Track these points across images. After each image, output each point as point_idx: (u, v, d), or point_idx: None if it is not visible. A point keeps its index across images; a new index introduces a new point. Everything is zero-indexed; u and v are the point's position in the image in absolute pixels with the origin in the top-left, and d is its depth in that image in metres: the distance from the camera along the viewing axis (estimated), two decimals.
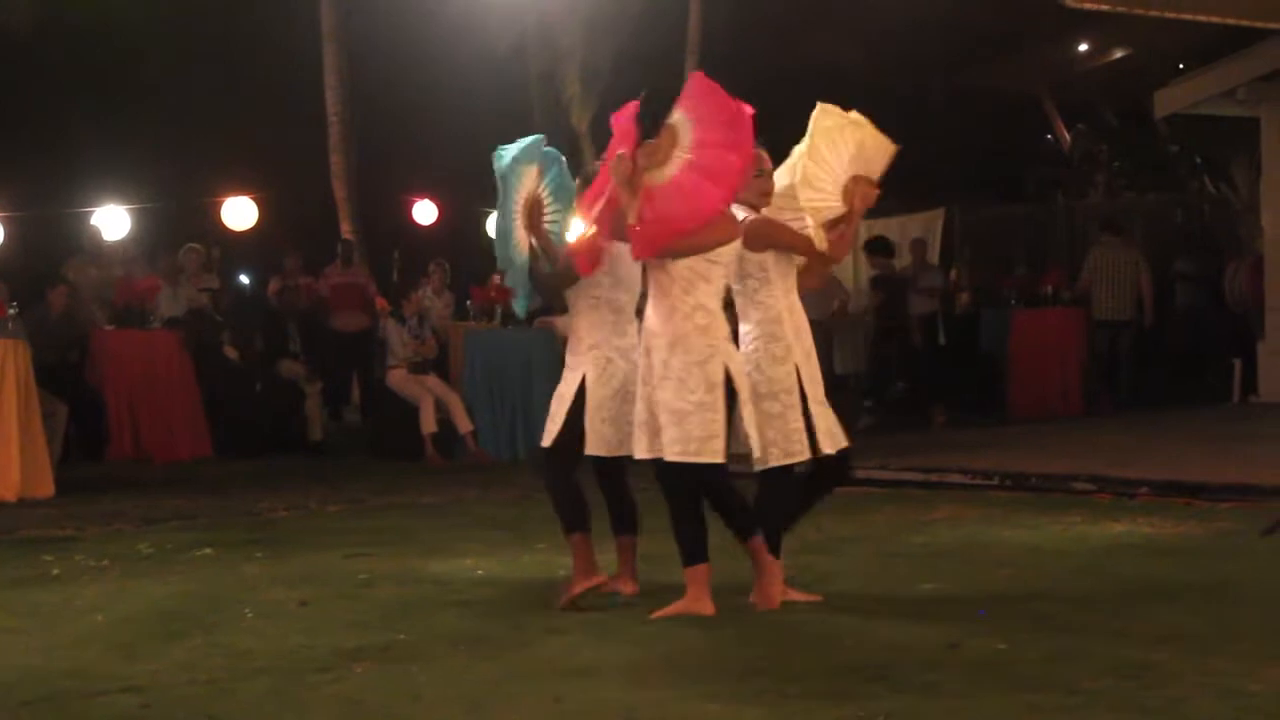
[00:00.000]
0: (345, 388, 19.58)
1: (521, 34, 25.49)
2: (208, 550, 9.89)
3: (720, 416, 7.23)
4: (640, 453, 7.45)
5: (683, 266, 7.26)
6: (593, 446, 7.73)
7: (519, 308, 8.90)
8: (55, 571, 9.17)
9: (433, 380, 16.03)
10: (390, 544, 10.01)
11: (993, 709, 5.57)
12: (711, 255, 7.27)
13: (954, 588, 8.08)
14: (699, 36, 22.12)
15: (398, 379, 16.00)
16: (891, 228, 23.50)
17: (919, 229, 23.28)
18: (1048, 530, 10.11)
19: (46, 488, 13.06)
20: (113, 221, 20.50)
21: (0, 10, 21.77)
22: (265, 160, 24.03)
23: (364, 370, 18.27)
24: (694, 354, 7.24)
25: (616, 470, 7.87)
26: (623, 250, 7.57)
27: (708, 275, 7.30)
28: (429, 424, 15.67)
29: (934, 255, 22.18)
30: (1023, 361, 19.28)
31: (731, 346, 7.39)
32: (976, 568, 8.71)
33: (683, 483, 7.30)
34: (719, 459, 7.26)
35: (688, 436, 7.22)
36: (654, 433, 7.34)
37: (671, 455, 7.25)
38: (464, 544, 9.94)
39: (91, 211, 20.67)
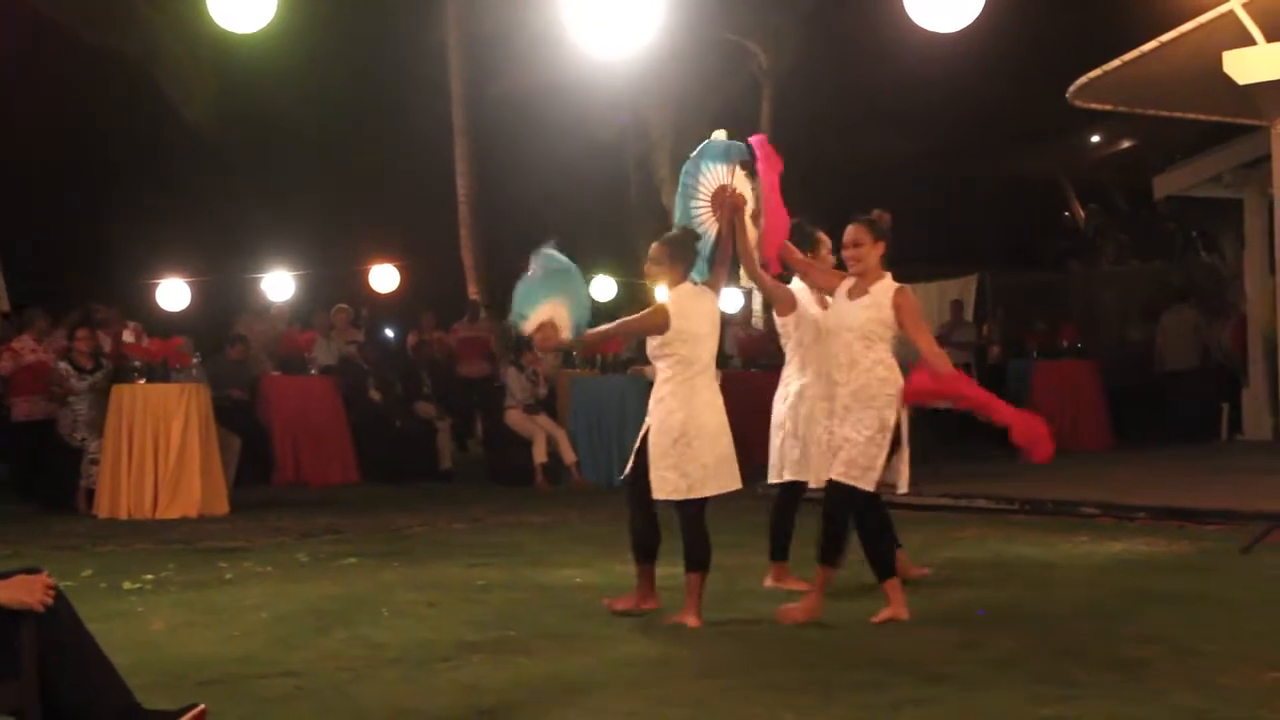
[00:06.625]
0: (470, 424, 19.71)
1: (620, 127, 25.69)
2: (353, 560, 9.99)
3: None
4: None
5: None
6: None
7: (698, 275, 7.88)
8: (228, 576, 9.30)
9: (543, 418, 16.11)
10: (505, 556, 10.08)
11: (1002, 697, 5.60)
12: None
13: (976, 596, 8.08)
14: (770, 128, 22.19)
15: (514, 417, 16.09)
16: (931, 291, 23.49)
17: (956, 291, 23.25)
18: (1059, 548, 10.08)
19: (222, 506, 13.22)
20: (279, 284, 20.74)
21: (188, 107, 22.12)
22: (406, 234, 24.22)
23: (486, 410, 18.39)
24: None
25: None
26: None
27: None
28: (540, 455, 15.76)
29: (969, 314, 22.14)
30: (1042, 404, 19.12)
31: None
32: (996, 579, 8.70)
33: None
34: (870, 488, 7.28)
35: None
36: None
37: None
38: (566, 556, 9.99)
39: (261, 276, 20.92)
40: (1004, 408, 7.28)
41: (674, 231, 7.77)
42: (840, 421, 7.36)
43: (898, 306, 7.33)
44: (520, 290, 7.57)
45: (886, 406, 7.25)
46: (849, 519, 7.38)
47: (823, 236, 8.32)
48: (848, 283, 7.54)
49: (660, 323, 7.45)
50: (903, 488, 7.42)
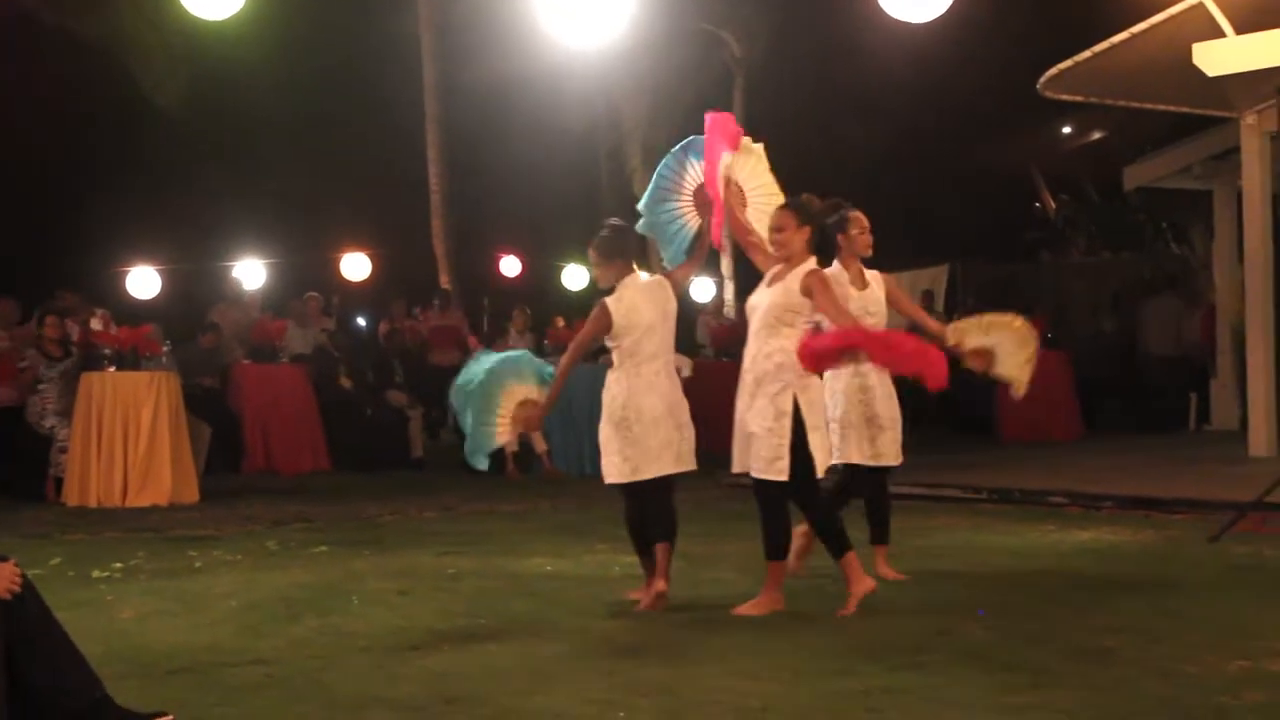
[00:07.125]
0: (442, 413, 19.68)
1: (592, 118, 25.67)
2: (324, 548, 9.97)
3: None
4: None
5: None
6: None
7: (669, 263, 7.99)
8: (198, 564, 9.27)
9: None
10: (475, 544, 10.07)
11: (971, 685, 5.61)
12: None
13: (946, 584, 8.10)
14: (743, 119, 22.16)
15: None
16: (903, 281, 23.46)
17: (927, 281, 23.33)
18: (1026, 537, 10.12)
19: (192, 495, 13.18)
20: (250, 273, 20.69)
21: (159, 94, 22.03)
22: (378, 222, 24.20)
23: None
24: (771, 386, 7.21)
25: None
26: None
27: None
28: (511, 444, 15.69)
29: (940, 304, 22.19)
30: (1012, 394, 19.16)
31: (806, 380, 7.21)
32: (966, 568, 8.73)
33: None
34: (783, 477, 7.17)
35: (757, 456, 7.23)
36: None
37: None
38: (537, 545, 9.99)
39: (232, 264, 20.86)
40: (902, 351, 7.09)
41: (603, 231, 7.77)
42: (747, 409, 7.29)
43: (807, 289, 7.16)
44: (474, 427, 7.72)
45: (780, 393, 7.12)
46: (781, 512, 7.33)
47: (855, 215, 8.10)
48: (775, 268, 7.41)
49: (605, 324, 7.50)
50: (819, 471, 7.27)
